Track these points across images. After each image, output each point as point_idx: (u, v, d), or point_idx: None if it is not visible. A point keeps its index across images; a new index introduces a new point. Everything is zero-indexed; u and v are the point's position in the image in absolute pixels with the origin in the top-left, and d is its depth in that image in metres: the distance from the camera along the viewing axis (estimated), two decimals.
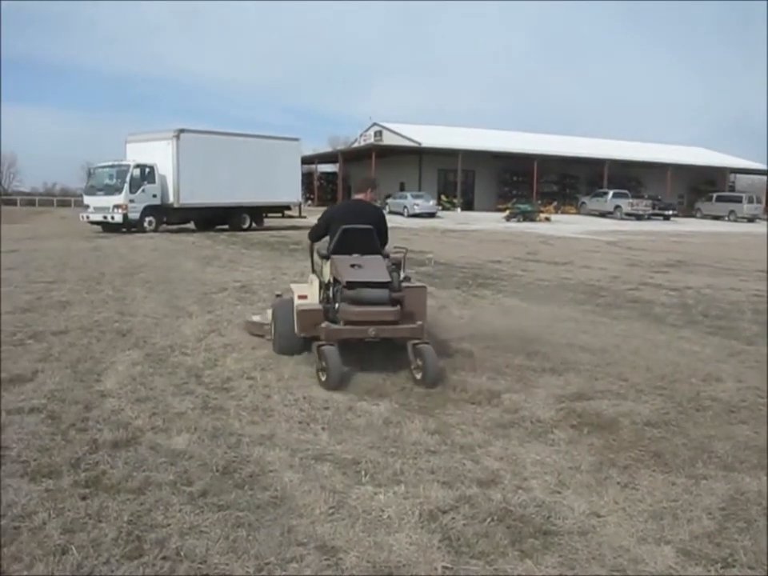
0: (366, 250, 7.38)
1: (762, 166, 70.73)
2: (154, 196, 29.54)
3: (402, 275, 7.61)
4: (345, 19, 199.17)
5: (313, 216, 40.09)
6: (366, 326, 6.89)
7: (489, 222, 42.77)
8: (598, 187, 57.93)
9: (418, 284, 7.96)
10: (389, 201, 52.12)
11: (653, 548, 3.69)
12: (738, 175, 73.97)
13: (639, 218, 52.39)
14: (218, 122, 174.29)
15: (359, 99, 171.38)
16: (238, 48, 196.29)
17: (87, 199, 30.55)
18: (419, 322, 7.07)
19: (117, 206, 28.64)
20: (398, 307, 7.05)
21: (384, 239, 7.86)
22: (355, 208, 8.12)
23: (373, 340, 7.00)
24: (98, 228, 29.53)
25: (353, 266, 7.14)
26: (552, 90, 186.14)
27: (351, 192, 57.26)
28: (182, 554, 3.54)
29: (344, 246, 7.40)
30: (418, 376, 6.65)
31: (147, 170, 29.46)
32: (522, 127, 74.21)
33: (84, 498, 4.11)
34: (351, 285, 6.96)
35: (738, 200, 59.72)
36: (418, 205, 48.44)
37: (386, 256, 7.61)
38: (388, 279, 7.11)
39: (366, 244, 7.46)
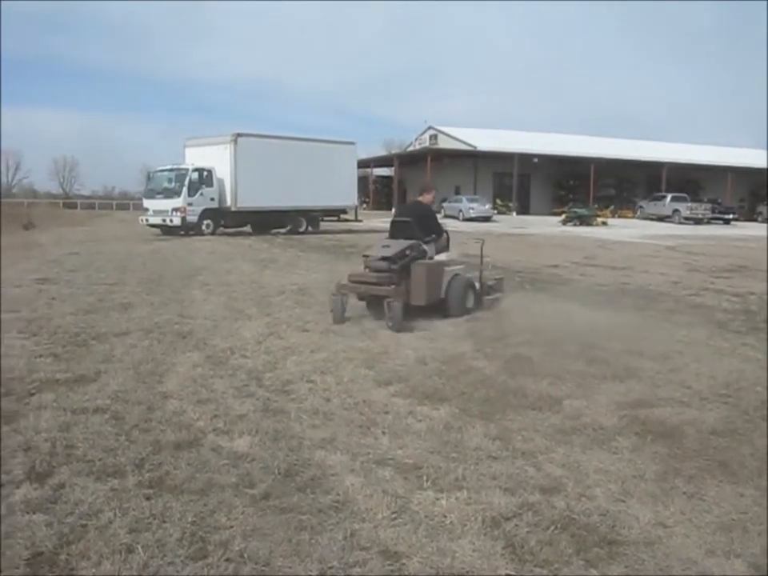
0: (405, 236, 10.25)
1: None
2: (212, 199, 29.83)
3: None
4: (401, 22, 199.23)
5: (369, 220, 40.28)
6: (364, 285, 10.01)
7: (545, 226, 42.46)
8: (656, 191, 57.17)
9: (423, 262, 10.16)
10: (444, 204, 52.01)
11: (722, 561, 3.61)
12: None
13: (698, 222, 51.51)
14: (274, 126, 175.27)
15: (415, 104, 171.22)
16: (294, 52, 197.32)
17: (146, 202, 30.97)
18: (393, 285, 9.58)
19: (175, 209, 28.98)
20: (386, 274, 9.73)
21: (431, 231, 10.62)
22: (409, 207, 11.75)
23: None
24: (157, 231, 29.89)
25: (383, 246, 10.26)
26: (609, 93, 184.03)
27: (406, 195, 57.48)
28: (245, 555, 3.56)
29: (392, 233, 10.65)
30: (389, 324, 9.23)
31: (205, 173, 29.77)
32: (578, 130, 73.58)
33: (148, 498, 4.16)
34: (366, 257, 10.35)
35: None
36: (473, 209, 48.24)
37: (425, 242, 10.32)
38: (387, 255, 9.90)
39: (406, 232, 10.35)
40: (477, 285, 10.88)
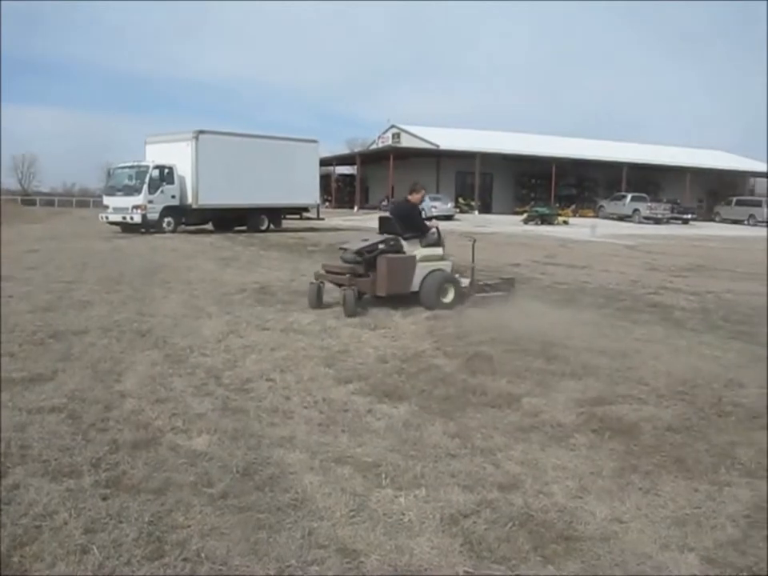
0: (389, 233, 11.09)
1: None
2: (173, 197, 29.64)
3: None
4: (364, 20, 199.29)
5: (331, 218, 40.18)
6: (333, 274, 11.03)
7: (506, 224, 42.69)
8: (616, 190, 57.72)
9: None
10: None
11: (676, 555, 3.66)
12: (757, 179, 73.46)
13: (658, 221, 52.13)
14: (236, 123, 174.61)
15: (378, 102, 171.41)
16: (257, 49, 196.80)
17: (106, 200, 30.74)
18: (348, 275, 10.54)
19: (136, 207, 28.76)
20: (351, 266, 10.70)
21: (415, 228, 11.20)
22: (397, 205, 12.75)
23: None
24: (117, 228, 29.66)
25: (362, 240, 11.25)
26: (573, 92, 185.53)
27: (369, 194, 57.58)
28: (202, 555, 3.54)
29: (380, 229, 11.61)
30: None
31: (166, 170, 29.57)
32: (541, 129, 74.05)
33: (105, 498, 4.12)
34: (341, 249, 11.35)
35: (758, 204, 59.32)
36: (435, 207, 48.25)
37: (405, 238, 10.99)
38: (358, 248, 10.79)
39: (389, 228, 11.24)
40: (464, 282, 11.30)
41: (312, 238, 27.79)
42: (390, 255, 10.79)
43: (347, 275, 10.60)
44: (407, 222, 11.18)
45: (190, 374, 6.91)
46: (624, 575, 3.49)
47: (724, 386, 6.81)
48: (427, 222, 11.72)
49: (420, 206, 11.92)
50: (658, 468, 4.80)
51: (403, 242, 10.98)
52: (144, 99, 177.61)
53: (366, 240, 11.14)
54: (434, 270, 10.88)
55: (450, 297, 10.84)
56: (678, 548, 3.74)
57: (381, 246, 10.81)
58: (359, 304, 10.56)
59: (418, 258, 10.90)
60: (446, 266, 11.17)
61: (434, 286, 10.71)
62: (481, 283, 11.62)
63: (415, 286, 10.79)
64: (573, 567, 3.54)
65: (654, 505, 4.25)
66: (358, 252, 10.76)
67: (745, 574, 3.50)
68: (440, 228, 11.65)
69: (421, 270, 10.83)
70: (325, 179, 58.40)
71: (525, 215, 48.95)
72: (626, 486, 4.50)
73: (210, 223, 31.87)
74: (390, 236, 11.00)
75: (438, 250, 11.28)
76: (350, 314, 10.06)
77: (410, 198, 11.58)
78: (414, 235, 11.12)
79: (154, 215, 29.08)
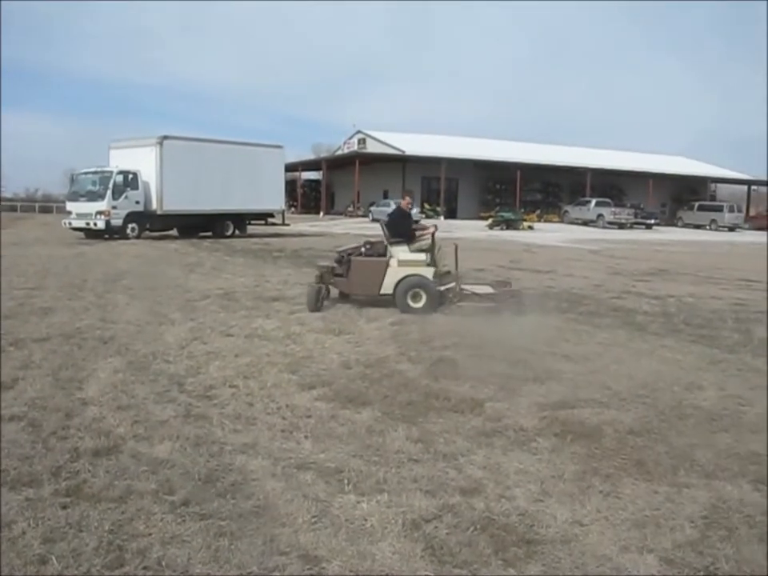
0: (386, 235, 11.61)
1: (742, 176, 71.44)
2: (137, 202, 29.39)
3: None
4: (331, 25, 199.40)
5: (296, 224, 40.06)
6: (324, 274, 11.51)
7: (472, 230, 42.80)
8: (580, 196, 58.19)
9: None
10: (372, 208, 52.28)
11: (635, 557, 3.70)
12: (718, 185, 74.46)
13: (621, 226, 52.64)
14: (201, 128, 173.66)
15: (344, 107, 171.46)
16: (223, 54, 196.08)
17: (70, 205, 30.39)
18: (321, 273, 11.41)
19: (100, 213, 28.47)
20: (329, 266, 11.63)
21: (397, 232, 11.55)
22: (392, 210, 13.73)
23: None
24: (81, 234, 29.33)
25: (356, 244, 12.35)
26: (539, 99, 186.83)
27: (335, 199, 57.59)
28: (163, 563, 3.52)
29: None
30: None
31: (130, 176, 29.31)
32: (509, 135, 74.51)
33: (65, 507, 4.09)
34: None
35: (719, 209, 60.16)
36: None
37: (391, 242, 11.43)
38: (344, 250, 11.86)
39: (385, 231, 11.68)
40: (441, 288, 11.32)
41: (277, 243, 27.71)
42: (360, 258, 11.53)
43: (320, 273, 11.43)
44: (393, 227, 11.65)
45: (152, 380, 6.87)
46: None
47: (684, 388, 6.90)
48: (419, 228, 12.05)
49: (409, 211, 12.21)
50: (618, 471, 4.85)
51: (391, 247, 11.41)
52: (108, 104, 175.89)
53: (356, 244, 12.04)
54: (409, 275, 11.02)
55: (421, 302, 10.93)
56: (637, 549, 3.78)
57: (363, 249, 11.63)
58: (333, 308, 10.95)
59: (395, 262, 11.15)
60: (426, 271, 11.19)
61: (403, 290, 10.92)
62: (467, 292, 11.49)
63: (387, 288, 11.09)
64: (533, 570, 3.56)
65: (614, 507, 4.29)
66: (341, 253, 11.59)
67: (702, 574, 3.55)
68: (435, 234, 11.81)
69: (395, 274, 11.07)
70: (290, 185, 58.32)
71: (490, 220, 49.14)
72: (587, 489, 4.54)
73: (175, 229, 31.62)
74: (376, 240, 11.73)
75: (421, 256, 11.35)
76: (311, 308, 10.82)
77: (402, 203, 12.32)
78: (399, 240, 11.44)
79: (117, 221, 28.80)
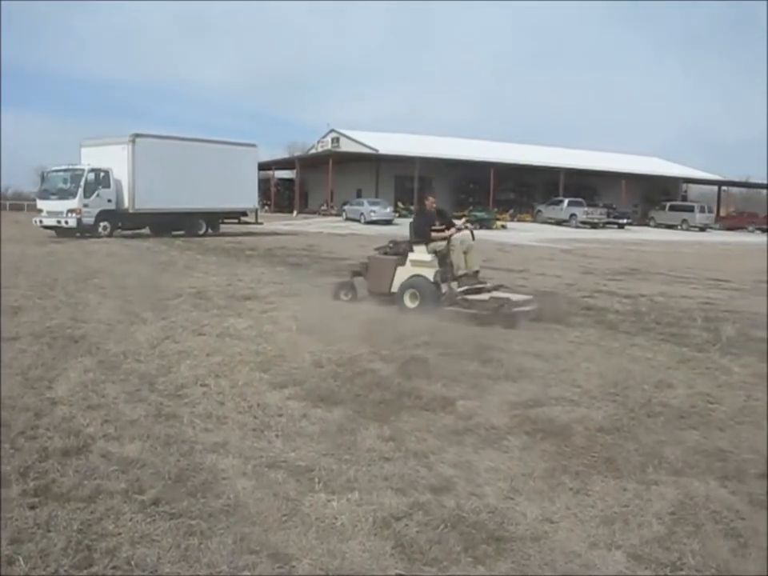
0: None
1: (713, 177, 72.17)
2: (109, 201, 29.24)
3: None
4: (308, 23, 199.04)
5: (270, 222, 39.95)
6: None
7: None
8: (553, 195, 58.47)
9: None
10: (345, 207, 52.32)
11: (604, 553, 3.73)
12: (689, 185, 75.12)
13: (594, 226, 53.03)
14: (175, 126, 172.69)
15: (318, 106, 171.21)
16: (196, 50, 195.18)
17: (41, 203, 30.22)
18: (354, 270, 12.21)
19: (71, 211, 28.33)
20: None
21: (418, 231, 11.50)
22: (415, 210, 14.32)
23: None
24: (52, 233, 29.14)
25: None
26: (516, 99, 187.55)
27: (308, 198, 57.41)
28: (132, 563, 3.51)
29: None
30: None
31: (102, 174, 29.17)
32: (480, 135, 74.68)
33: (33, 508, 4.05)
34: None
35: (690, 209, 60.76)
36: (374, 212, 48.55)
37: (411, 242, 11.46)
38: (377, 248, 12.28)
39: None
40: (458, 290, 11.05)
41: (250, 242, 27.66)
42: (376, 256, 11.96)
43: (352, 270, 12.41)
44: (413, 227, 11.79)
45: (123, 380, 6.83)
46: (553, 574, 3.54)
47: (654, 386, 6.95)
48: (439, 228, 11.57)
49: (429, 212, 11.89)
50: (588, 468, 4.88)
51: (414, 246, 11.44)
52: (79, 102, 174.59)
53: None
54: (414, 276, 11.09)
55: (416, 303, 10.89)
56: (605, 546, 3.81)
57: (389, 249, 11.83)
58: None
59: (407, 262, 11.25)
60: (428, 272, 11.04)
61: (403, 290, 11.06)
62: (474, 296, 10.86)
63: (396, 288, 11.22)
64: (503, 567, 3.58)
65: (583, 504, 4.32)
66: (376, 250, 12.17)
67: (669, 569, 3.58)
68: (453, 236, 11.46)
69: (403, 274, 11.18)
70: (264, 183, 58.18)
71: (463, 219, 49.10)
72: (556, 487, 4.56)
73: (147, 228, 31.47)
74: (402, 240, 11.97)
75: (428, 256, 11.20)
76: (333, 297, 11.87)
77: (427, 203, 12.09)
78: (418, 240, 11.44)
79: (89, 219, 28.66)
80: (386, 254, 11.82)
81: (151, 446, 5.09)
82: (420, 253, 11.28)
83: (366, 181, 59.59)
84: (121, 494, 4.28)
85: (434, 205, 11.99)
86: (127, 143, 29.41)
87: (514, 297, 11.06)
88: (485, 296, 10.81)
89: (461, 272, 11.21)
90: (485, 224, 47.26)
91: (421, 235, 11.47)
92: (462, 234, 11.60)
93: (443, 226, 11.65)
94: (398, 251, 11.57)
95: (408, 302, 10.95)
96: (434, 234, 11.37)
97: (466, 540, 3.81)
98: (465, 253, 11.38)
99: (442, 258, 11.27)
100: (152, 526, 3.88)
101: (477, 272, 11.46)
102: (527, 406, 6.18)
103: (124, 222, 30.04)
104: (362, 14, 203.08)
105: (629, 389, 6.85)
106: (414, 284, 11.00)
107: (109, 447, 5.06)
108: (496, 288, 11.55)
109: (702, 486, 4.60)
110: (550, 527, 4.01)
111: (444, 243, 11.35)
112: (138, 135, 29.73)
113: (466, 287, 10.99)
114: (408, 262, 11.23)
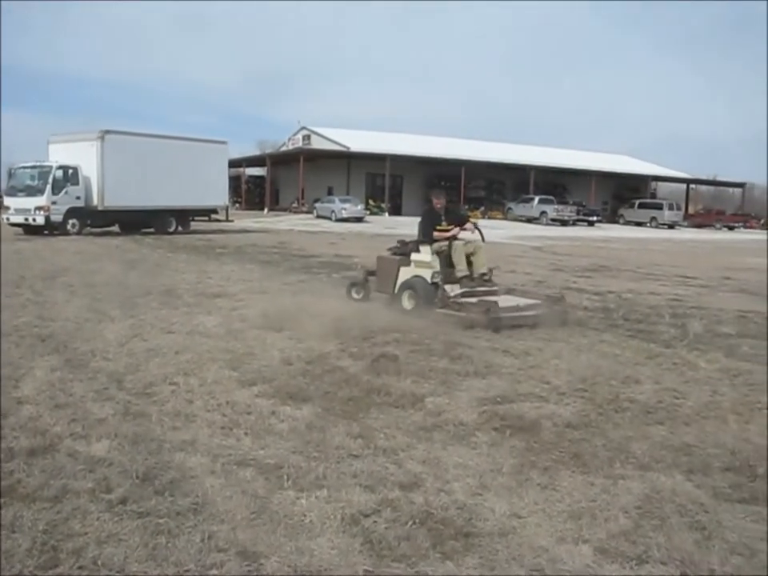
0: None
1: (681, 174, 72.86)
2: (78, 198, 28.99)
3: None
4: (279, 20, 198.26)
5: (240, 220, 39.81)
6: None
7: (416, 226, 42.82)
8: (524, 193, 58.71)
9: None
10: (317, 205, 52.23)
11: (571, 547, 3.75)
12: (659, 183, 75.73)
13: (564, 223, 53.35)
14: (145, 123, 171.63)
15: (291, 103, 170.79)
16: (167, 47, 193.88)
17: (7, 200, 29.92)
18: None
19: (39, 208, 28.08)
20: None
21: (422, 231, 11.33)
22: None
23: None
24: (19, 230, 28.85)
25: None
26: (488, 96, 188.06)
27: (279, 196, 57.23)
28: (99, 562, 3.48)
29: None
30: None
31: (71, 171, 28.91)
32: (452, 133, 74.92)
33: None
34: None
35: (660, 207, 61.33)
36: (345, 209, 48.52)
37: (418, 242, 11.21)
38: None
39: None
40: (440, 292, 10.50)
41: (220, 240, 27.56)
42: (382, 256, 11.84)
43: (367, 269, 12.26)
44: (419, 227, 11.57)
45: (90, 378, 6.77)
46: (520, 568, 3.56)
47: (621, 382, 7.00)
48: (444, 229, 11.22)
49: (436, 211, 11.57)
50: (556, 464, 4.91)
51: (420, 247, 11.12)
52: (46, 98, 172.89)
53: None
54: (414, 276, 10.86)
55: (412, 303, 10.62)
56: (573, 540, 3.83)
57: (398, 250, 11.53)
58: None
59: (410, 262, 11.04)
60: (425, 273, 10.73)
61: (401, 291, 10.90)
62: (470, 298, 10.28)
63: (398, 288, 11.02)
64: (471, 562, 3.59)
65: (551, 499, 4.34)
66: (389, 250, 11.83)
67: (634, 562, 3.61)
68: (457, 237, 11.18)
69: (405, 274, 10.99)
70: (234, 181, 57.92)
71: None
72: (524, 482, 4.58)
73: (117, 225, 31.23)
74: (411, 240, 11.60)
75: (426, 257, 10.88)
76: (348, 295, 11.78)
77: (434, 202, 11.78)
78: (423, 240, 11.16)
79: (57, 217, 28.41)
80: (394, 254, 11.62)
81: (119, 444, 5.05)
82: (423, 253, 11.00)
83: (337, 178, 59.49)
84: (87, 493, 4.24)
85: (440, 204, 11.63)
86: (96, 140, 29.13)
87: (521, 301, 10.52)
88: (473, 299, 10.15)
89: (461, 274, 10.79)
90: None
91: (424, 235, 11.23)
92: (469, 234, 11.39)
93: (450, 226, 11.28)
94: (404, 251, 11.35)
95: (406, 303, 10.74)
96: (436, 234, 11.08)
97: (435, 536, 3.82)
98: (471, 254, 11.03)
99: (445, 259, 10.96)
100: (119, 525, 3.85)
101: (484, 274, 10.99)
102: (496, 403, 6.21)
103: (93, 219, 29.78)
104: (336, 13, 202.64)
105: (597, 384, 6.89)
106: (412, 284, 10.77)
107: (76, 446, 5.01)
108: (507, 292, 11.14)
109: (667, 480, 4.65)
110: (517, 522, 4.03)
111: (446, 244, 11.02)
112: (107, 132, 29.47)
113: (464, 290, 10.52)
114: (411, 263, 11.04)
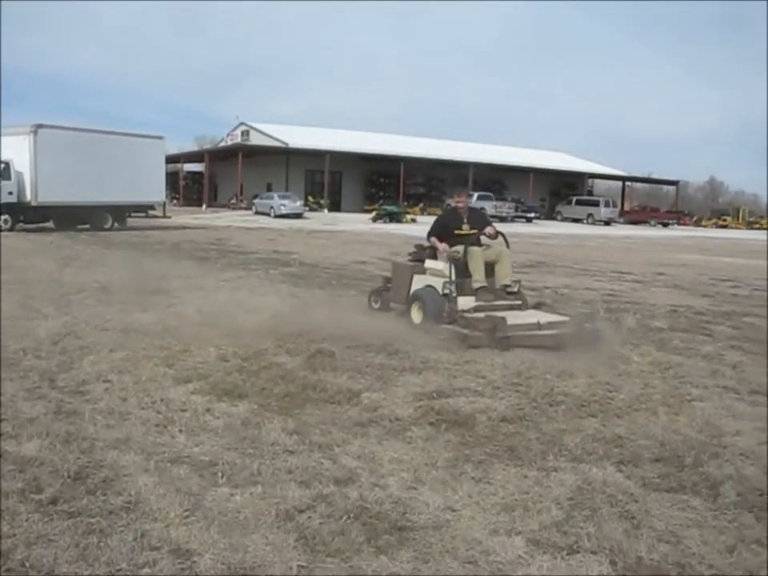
0: None
1: (617, 172, 74.14)
2: (10, 193, 28.35)
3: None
4: (219, 14, 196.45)
5: (178, 216, 39.38)
6: None
7: (355, 223, 43.00)
8: None
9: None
10: (255, 201, 52.03)
11: (504, 539, 3.80)
12: (595, 180, 76.94)
13: (503, 219, 53.73)
14: (80, 116, 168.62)
15: (229, 98, 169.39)
16: (105, 41, 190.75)
17: None
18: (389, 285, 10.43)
19: None
20: None
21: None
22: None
23: None
24: None
25: None
26: (431, 92, 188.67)
27: (217, 192, 56.79)
28: (27, 564, 3.41)
29: None
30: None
31: (2, 165, 28.20)
32: (393, 129, 75.08)
33: None
34: None
35: (596, 204, 62.36)
36: (284, 205, 48.42)
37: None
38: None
39: None
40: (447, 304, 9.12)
41: (158, 236, 27.25)
42: (397, 262, 10.95)
43: (387, 277, 10.77)
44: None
45: (22, 377, 6.63)
46: (453, 561, 3.59)
47: (556, 376, 7.10)
48: (462, 234, 9.88)
49: (456, 212, 10.32)
50: (490, 457, 4.97)
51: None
52: None
53: None
54: (426, 286, 9.49)
55: (419, 317, 9.33)
56: (506, 532, 3.88)
57: (413, 254, 10.50)
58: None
59: (424, 270, 9.77)
60: (437, 282, 9.36)
61: (411, 302, 9.59)
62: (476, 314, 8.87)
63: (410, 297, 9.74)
64: (405, 556, 3.61)
65: (485, 492, 4.40)
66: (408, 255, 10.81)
67: (565, 552, 3.68)
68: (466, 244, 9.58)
69: (418, 282, 9.69)
70: (172, 177, 57.39)
71: (374, 213, 49.48)
72: (459, 476, 4.63)
73: (51, 221, 30.63)
74: (428, 244, 10.15)
75: (439, 264, 9.58)
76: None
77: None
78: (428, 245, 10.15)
79: None
80: (410, 260, 10.43)
81: (50, 443, 4.96)
82: (435, 261, 9.79)
83: (276, 174, 59.27)
84: (17, 493, 4.16)
85: (463, 204, 10.27)
86: (28, 134, 28.54)
87: (544, 318, 8.98)
88: (480, 314, 8.73)
89: (477, 285, 9.28)
90: (395, 218, 47.60)
91: (430, 235, 10.09)
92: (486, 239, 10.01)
93: (474, 230, 9.86)
94: (420, 257, 10.12)
95: (414, 316, 9.43)
96: (432, 240, 10.02)
97: (369, 531, 3.84)
98: (493, 262, 9.62)
99: (462, 267, 9.43)
100: (49, 525, 3.79)
101: (507, 285, 9.56)
102: (432, 398, 6.26)
103: (26, 215, 29.17)
104: (275, 7, 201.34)
105: (532, 378, 6.99)
106: (421, 295, 9.45)
107: (5, 446, 4.91)
108: (536, 306, 9.88)
109: (599, 471, 4.74)
110: (452, 516, 4.07)
111: (461, 249, 9.50)
112: (40, 126, 28.86)
113: (479, 303, 9.08)
114: (426, 270, 9.77)
